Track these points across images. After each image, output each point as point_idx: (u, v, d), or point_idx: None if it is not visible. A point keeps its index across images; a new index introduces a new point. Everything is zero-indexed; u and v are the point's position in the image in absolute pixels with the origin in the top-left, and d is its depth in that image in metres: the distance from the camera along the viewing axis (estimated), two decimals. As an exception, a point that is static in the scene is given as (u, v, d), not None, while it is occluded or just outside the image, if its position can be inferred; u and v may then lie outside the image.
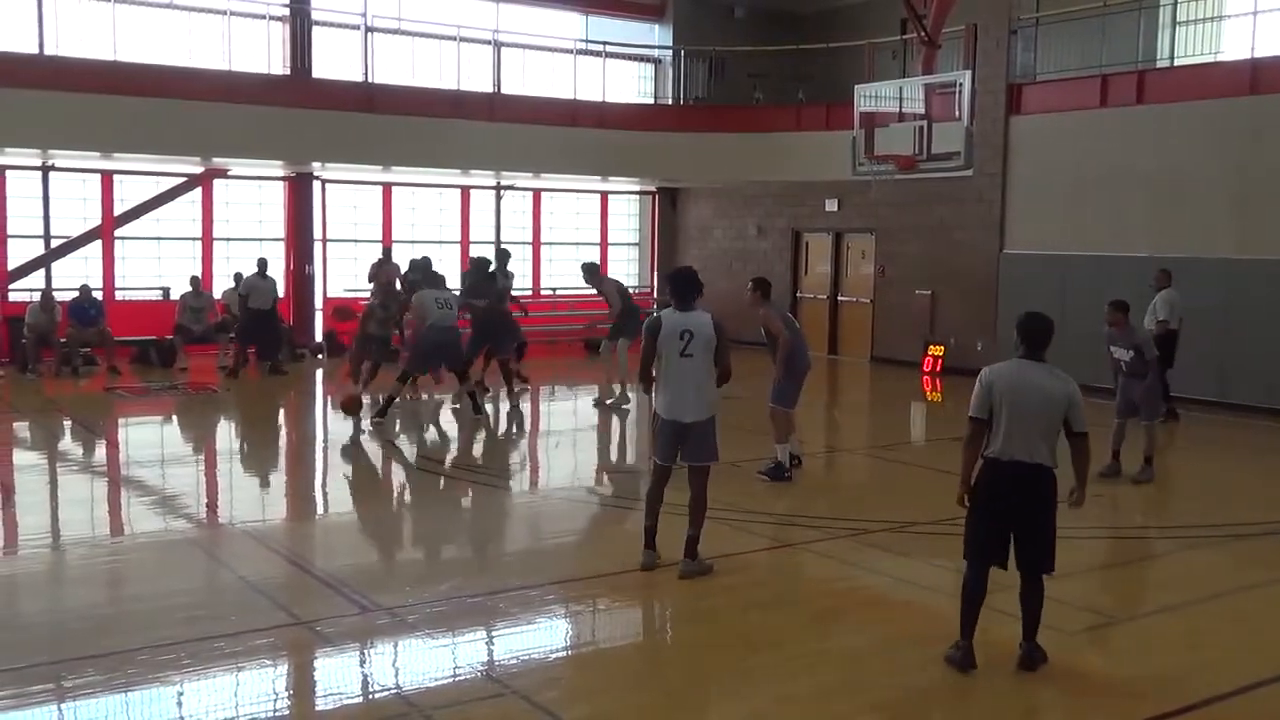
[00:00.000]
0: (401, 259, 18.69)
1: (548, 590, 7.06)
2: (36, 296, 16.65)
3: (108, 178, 18.16)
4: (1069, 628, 6.29)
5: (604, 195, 23.32)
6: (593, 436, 13.83)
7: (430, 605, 6.62)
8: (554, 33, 21.11)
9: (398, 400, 12.94)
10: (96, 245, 18.23)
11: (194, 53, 17.24)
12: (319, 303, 19.81)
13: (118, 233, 18.35)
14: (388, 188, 20.53)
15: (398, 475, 11.29)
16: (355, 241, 20.19)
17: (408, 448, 12.11)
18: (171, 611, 6.47)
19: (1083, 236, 16.25)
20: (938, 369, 18.14)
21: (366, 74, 18.27)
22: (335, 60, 18.52)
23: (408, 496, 10.34)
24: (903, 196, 18.53)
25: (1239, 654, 6.25)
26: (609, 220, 23.45)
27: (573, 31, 21.37)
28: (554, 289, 22.32)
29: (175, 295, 17.79)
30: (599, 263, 16.65)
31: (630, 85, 22.01)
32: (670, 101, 21.47)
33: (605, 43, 20.94)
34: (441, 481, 10.82)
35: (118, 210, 18.30)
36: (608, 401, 14.37)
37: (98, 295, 17.24)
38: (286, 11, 18.11)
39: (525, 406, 14.52)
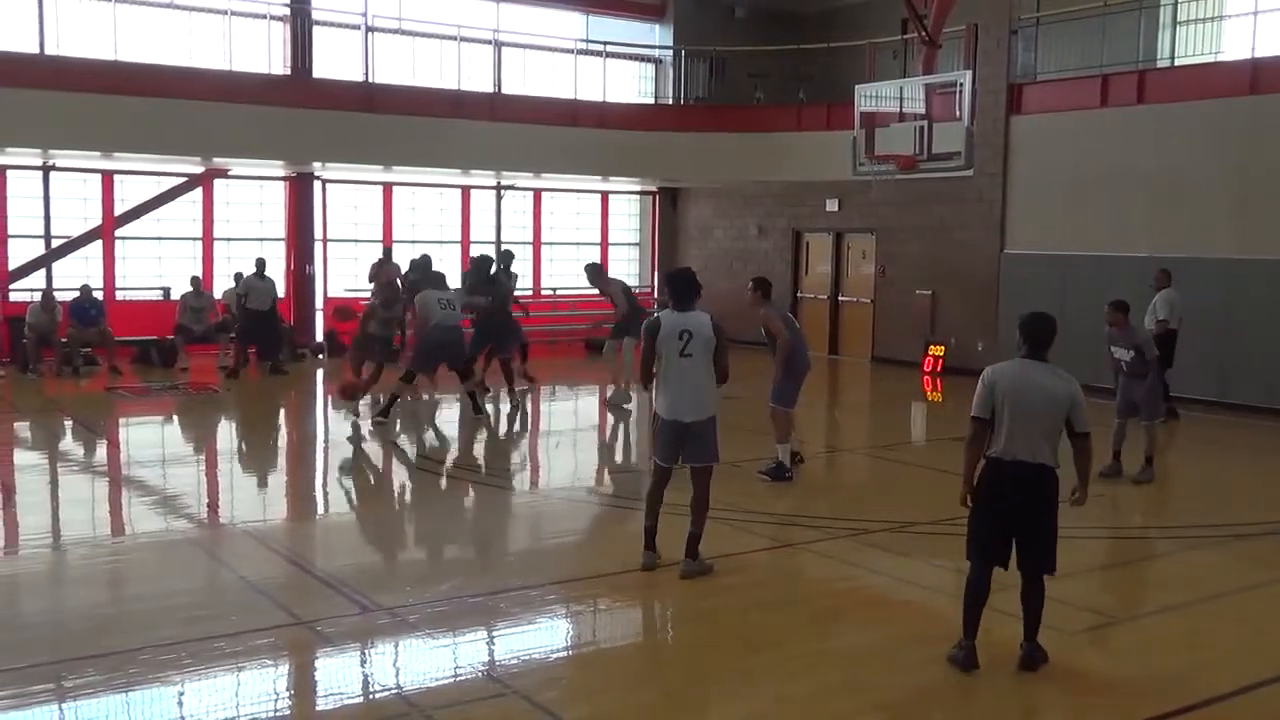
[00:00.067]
0: (402, 259, 18.72)
1: (548, 590, 7.06)
2: (37, 296, 16.66)
3: (108, 178, 18.17)
4: (1070, 628, 6.29)
5: (604, 195, 23.32)
6: (593, 436, 13.85)
7: (431, 605, 6.62)
8: (554, 32, 21.11)
9: (399, 400, 12.94)
10: (97, 245, 18.24)
11: (194, 53, 17.24)
12: (319, 303, 19.81)
13: (118, 233, 18.36)
14: (388, 188, 20.53)
15: (398, 475, 11.29)
16: (356, 241, 20.19)
17: (408, 447, 12.10)
18: (172, 611, 6.48)
19: (1083, 236, 16.25)
20: (938, 369, 18.14)
21: (367, 74, 18.27)
22: (336, 60, 18.52)
23: (408, 496, 10.34)
24: (903, 196, 18.53)
25: (1240, 654, 6.25)
26: (609, 220, 23.45)
27: (573, 31, 21.37)
28: (554, 289, 22.32)
29: (176, 295, 17.78)
30: (601, 264, 16.62)
31: (631, 85, 22.00)
32: (671, 101, 21.47)
33: (606, 43, 20.94)
34: (442, 481, 10.81)
35: (118, 210, 18.31)
36: (612, 399, 14.40)
37: (98, 295, 17.25)
38: (287, 11, 18.11)
39: (526, 406, 14.51)
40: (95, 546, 8.24)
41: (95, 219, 18.17)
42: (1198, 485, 11.02)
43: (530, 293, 21.02)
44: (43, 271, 17.72)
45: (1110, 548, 8.62)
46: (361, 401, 12.72)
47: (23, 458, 11.55)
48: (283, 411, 15.48)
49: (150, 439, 12.97)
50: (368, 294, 18.44)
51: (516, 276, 16.52)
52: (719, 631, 6.42)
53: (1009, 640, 5.79)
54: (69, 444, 12.23)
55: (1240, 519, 9.06)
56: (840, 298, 20.74)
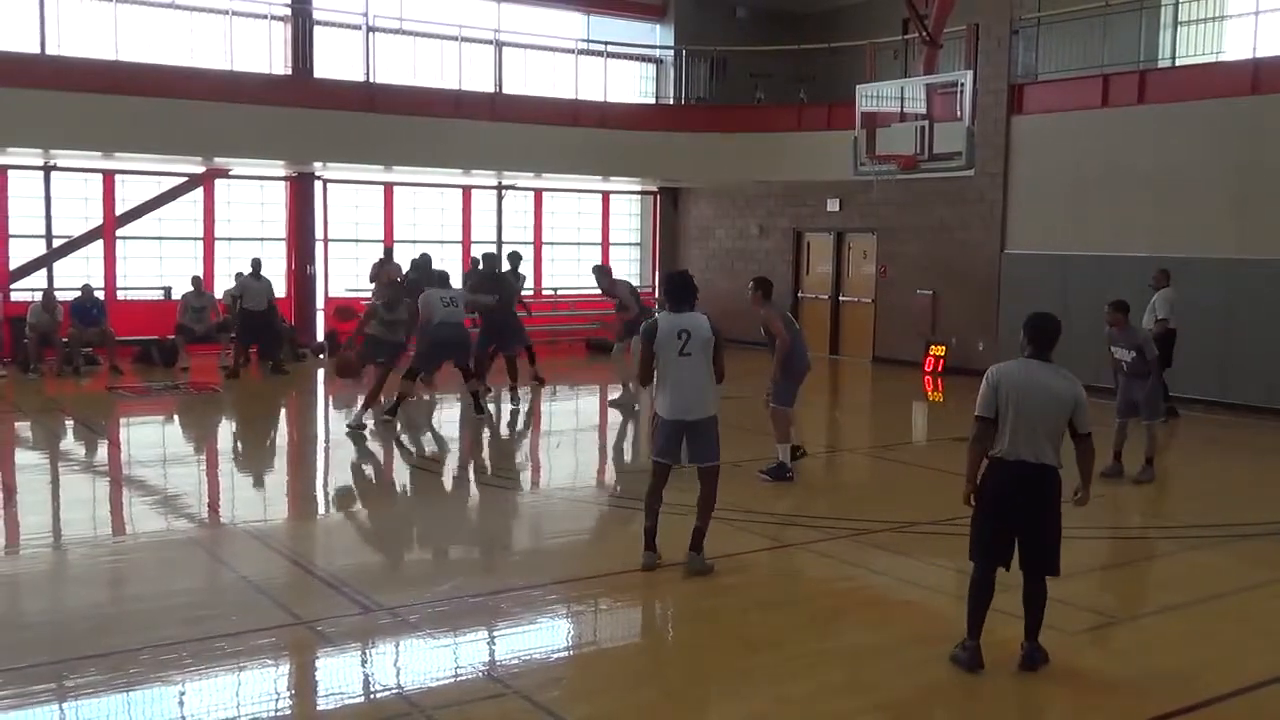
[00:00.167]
0: (403, 259, 18.71)
1: (549, 590, 7.06)
2: (38, 296, 16.68)
3: (109, 177, 18.17)
4: (1071, 628, 6.29)
5: (605, 195, 23.33)
6: (594, 436, 13.86)
7: (432, 605, 6.62)
8: (555, 32, 21.12)
9: (406, 399, 12.93)
10: (98, 245, 18.24)
11: (196, 52, 17.25)
12: (320, 303, 19.82)
13: (119, 232, 18.36)
14: (389, 187, 20.54)
15: (399, 475, 11.30)
16: (357, 241, 20.19)
17: (409, 447, 12.10)
18: (173, 611, 6.48)
19: (1084, 236, 16.25)
20: (939, 369, 18.14)
21: (368, 74, 18.26)
22: (337, 60, 18.52)
23: (409, 496, 10.33)
24: (904, 196, 18.53)
25: (1241, 654, 6.25)
26: (610, 220, 23.47)
27: (574, 31, 21.37)
28: (555, 289, 22.33)
29: (177, 295, 17.79)
30: (608, 265, 16.52)
31: (632, 85, 22.00)
32: (672, 101, 21.46)
33: (607, 43, 20.94)
34: (443, 481, 10.82)
35: (119, 210, 18.31)
36: (618, 398, 14.42)
37: (100, 295, 17.26)
38: (288, 11, 18.11)
39: (526, 406, 14.52)
40: (96, 546, 8.25)
41: (96, 219, 18.17)
42: (1198, 485, 11.01)
43: (531, 293, 21.02)
44: (44, 271, 17.73)
45: (1111, 548, 8.62)
46: (368, 413, 12.48)
47: (24, 457, 11.57)
48: (283, 411, 15.48)
49: (151, 439, 12.98)
50: (368, 294, 18.49)
51: (524, 278, 16.54)
52: (719, 631, 6.42)
53: (1010, 640, 5.79)
54: (70, 444, 12.23)
55: (1241, 519, 9.06)
56: (841, 298, 20.74)
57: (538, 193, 22.25)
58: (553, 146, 19.08)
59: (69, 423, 13.15)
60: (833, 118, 18.53)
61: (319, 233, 19.85)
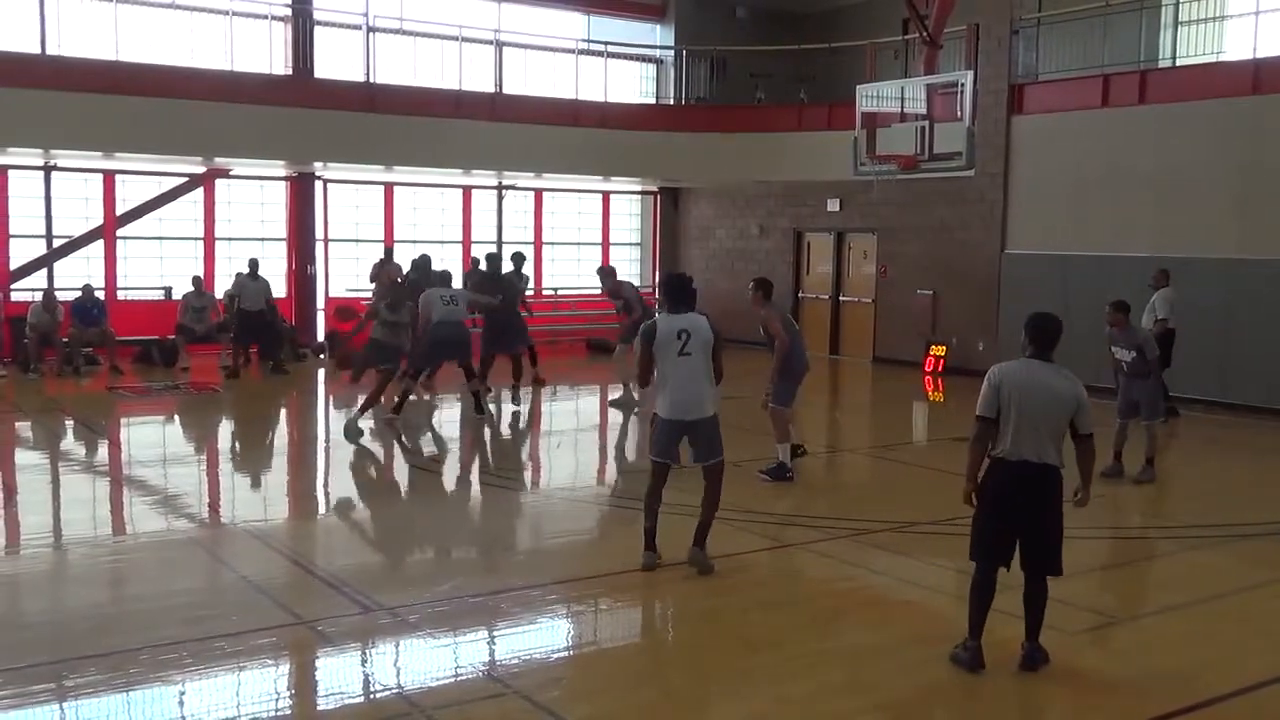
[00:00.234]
0: (403, 259, 18.70)
1: (549, 590, 7.06)
2: (39, 296, 16.68)
3: (110, 177, 18.17)
4: (1071, 628, 6.29)
5: (606, 195, 23.32)
6: (594, 436, 13.86)
7: (432, 605, 6.62)
8: (556, 33, 21.12)
9: (409, 397, 12.92)
10: (99, 245, 18.24)
11: (196, 52, 17.24)
12: (321, 303, 19.82)
13: (120, 232, 18.36)
14: (389, 187, 20.54)
15: (399, 475, 11.30)
16: (357, 241, 20.19)
17: (410, 447, 12.09)
18: (173, 611, 6.48)
19: (1084, 236, 16.25)
20: (939, 369, 18.14)
21: (368, 74, 18.26)
22: (337, 60, 18.52)
23: (409, 496, 10.33)
24: (904, 196, 18.53)
25: (1241, 654, 6.25)
26: (611, 220, 23.46)
27: (574, 31, 21.37)
28: (555, 289, 22.32)
29: (177, 295, 17.79)
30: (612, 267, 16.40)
31: (632, 85, 22.00)
32: (672, 101, 21.46)
33: (607, 43, 20.94)
34: (443, 481, 10.83)
35: (120, 210, 18.31)
36: (618, 398, 14.43)
37: (100, 295, 17.26)
38: (288, 11, 18.11)
39: (527, 406, 14.50)
40: (96, 546, 8.25)
41: (97, 219, 18.17)
42: (1198, 485, 11.01)
43: (531, 293, 21.02)
44: (44, 271, 17.72)
45: (1111, 548, 8.62)
46: (366, 415, 12.43)
47: (24, 457, 11.57)
48: (284, 411, 15.48)
49: (151, 439, 12.97)
50: (369, 294, 18.48)
51: (527, 278, 16.52)
52: (719, 631, 6.42)
53: (1011, 640, 5.78)
54: (70, 444, 12.23)
55: (1241, 519, 9.06)
56: (841, 298, 20.74)
57: (538, 193, 22.25)
58: (553, 146, 19.08)
59: (69, 423, 13.15)
60: (833, 118, 18.53)
61: (319, 233, 19.85)
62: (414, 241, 19.84)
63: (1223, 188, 14.80)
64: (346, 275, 19.93)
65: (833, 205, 20.42)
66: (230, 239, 19.04)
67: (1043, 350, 5.71)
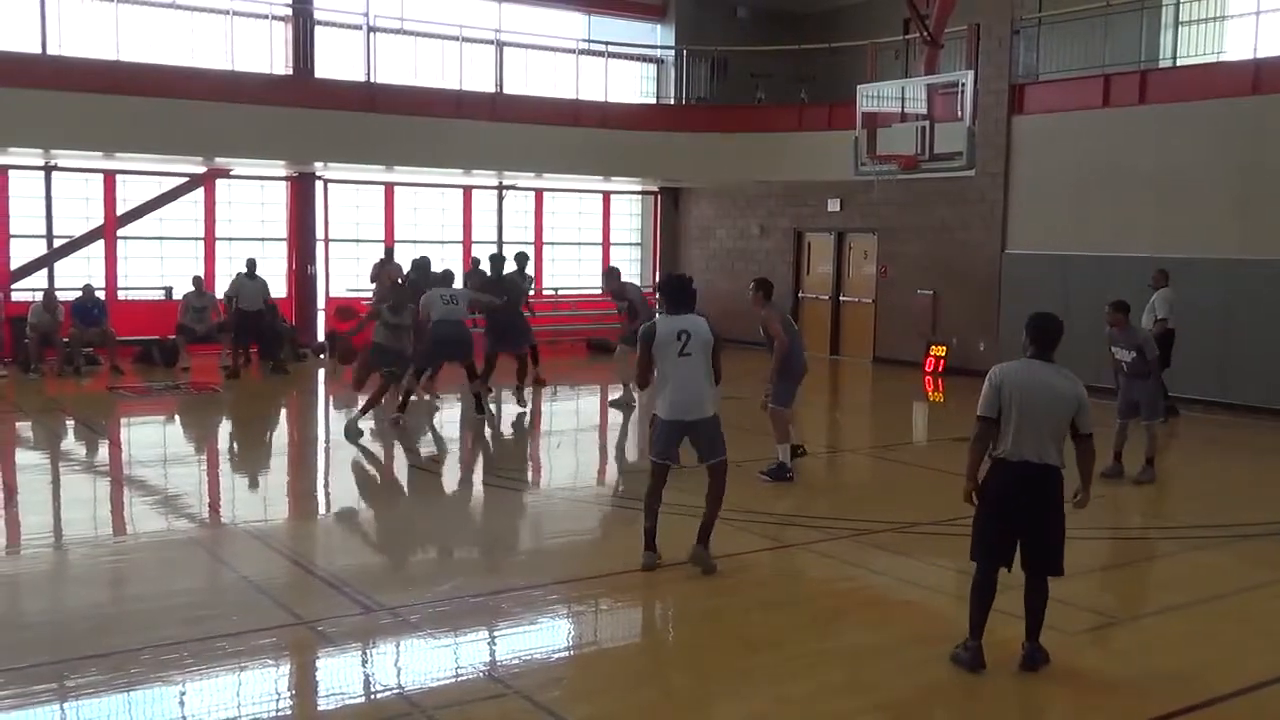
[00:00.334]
0: (404, 259, 18.70)
1: (550, 590, 7.06)
2: (39, 296, 16.67)
3: (110, 177, 18.17)
4: (1071, 628, 6.29)
5: (606, 195, 23.33)
6: (594, 436, 13.86)
7: (432, 605, 6.62)
8: (556, 33, 21.12)
9: (412, 396, 12.92)
10: (99, 245, 18.24)
11: (196, 52, 17.24)
12: (321, 303, 19.82)
13: (120, 232, 18.36)
14: (390, 187, 20.54)
15: (400, 475, 11.30)
16: (357, 241, 20.19)
17: (410, 447, 12.08)
18: (174, 611, 6.48)
19: (1085, 236, 16.24)
20: (939, 369, 18.14)
21: (369, 74, 18.26)
22: (338, 60, 18.51)
23: (410, 496, 10.34)
24: (905, 196, 18.53)
25: (1242, 654, 6.25)
26: (611, 220, 23.46)
27: (575, 31, 21.37)
28: (556, 289, 22.33)
29: (178, 295, 17.80)
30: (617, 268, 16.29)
31: (632, 85, 22.00)
32: (672, 101, 21.46)
33: (607, 43, 20.94)
34: (443, 481, 10.83)
35: (120, 210, 18.30)
36: (618, 398, 14.45)
37: (100, 295, 17.26)
38: (289, 11, 18.11)
39: (529, 407, 14.49)
40: (97, 546, 8.25)
41: (97, 219, 18.17)
42: (1198, 485, 11.01)
43: (532, 293, 21.03)
44: (45, 271, 17.73)
45: (1112, 548, 8.62)
46: (367, 416, 12.37)
47: (24, 457, 11.57)
48: (284, 411, 15.49)
49: (152, 439, 12.97)
50: (369, 294, 18.48)
51: (530, 278, 16.50)
52: (720, 631, 6.43)
53: (1011, 640, 5.78)
54: (70, 444, 12.24)
55: (1241, 519, 9.06)
56: (842, 298, 20.73)
57: (538, 193, 22.25)
58: (553, 146, 19.08)
59: (70, 423, 13.15)
60: (833, 118, 18.52)
61: (320, 233, 19.85)
62: (414, 242, 19.86)
63: (1223, 188, 14.80)
64: (347, 275, 19.93)
65: (833, 205, 20.42)
66: (231, 239, 19.03)
67: (1044, 350, 5.71)
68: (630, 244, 23.91)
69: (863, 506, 9.60)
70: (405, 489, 10.67)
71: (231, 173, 19.00)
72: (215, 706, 5.32)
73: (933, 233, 18.60)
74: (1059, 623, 5.98)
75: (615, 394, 14.73)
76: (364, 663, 5.89)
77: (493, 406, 13.95)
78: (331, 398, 16.03)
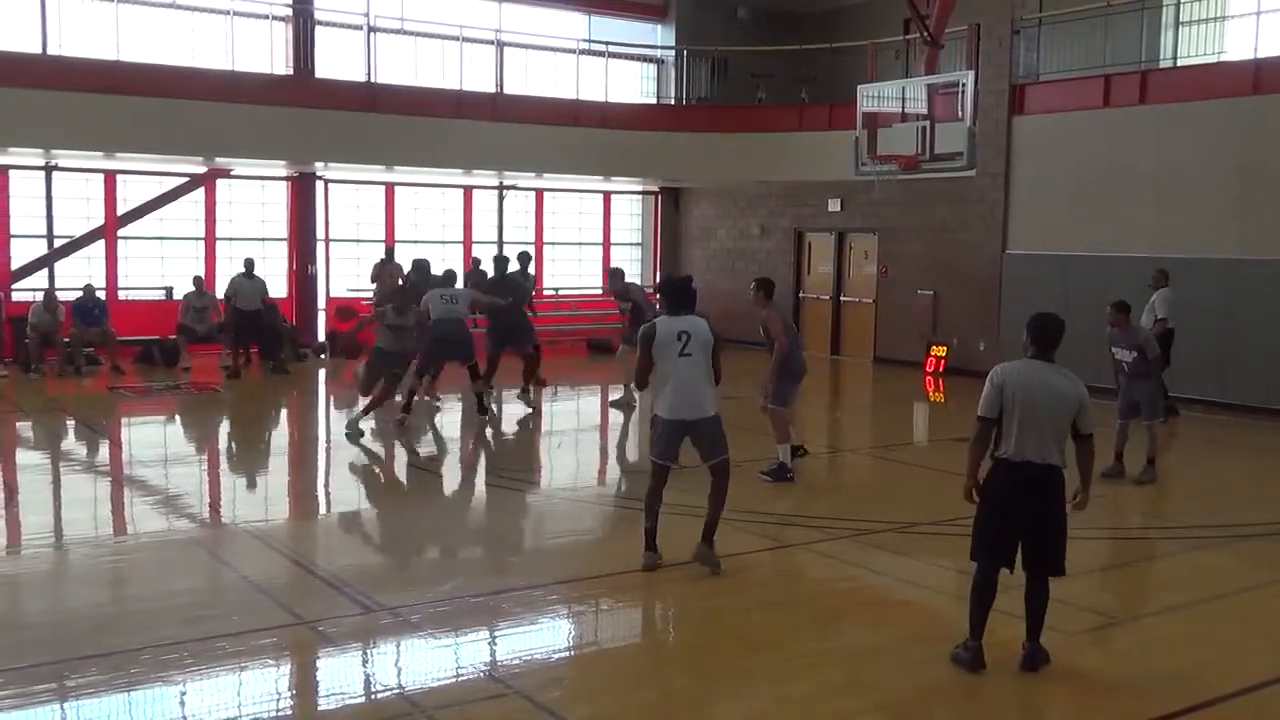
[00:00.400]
0: (404, 259, 18.69)
1: (550, 590, 7.06)
2: (40, 296, 16.68)
3: (111, 177, 18.18)
4: (1072, 628, 6.28)
5: (606, 195, 23.33)
6: (595, 436, 13.86)
7: (433, 605, 6.62)
8: (557, 33, 21.12)
9: (415, 396, 12.92)
10: (100, 245, 18.25)
11: (197, 52, 17.24)
12: (321, 303, 19.83)
13: (121, 232, 18.37)
14: (390, 187, 20.54)
15: (400, 475, 11.30)
16: (358, 241, 20.20)
17: (411, 447, 12.09)
18: (174, 611, 6.48)
19: (1085, 236, 16.24)
20: (940, 369, 18.13)
21: (369, 74, 18.26)
22: (338, 60, 18.51)
23: (411, 496, 10.34)
24: (905, 197, 18.53)
25: (1242, 654, 6.25)
26: (611, 220, 23.47)
27: (575, 31, 21.37)
28: (556, 289, 22.33)
29: (178, 295, 17.80)
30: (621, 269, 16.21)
31: (633, 85, 22.00)
32: (673, 101, 21.46)
33: (608, 43, 20.94)
34: (444, 481, 10.83)
35: (121, 210, 18.31)
36: (619, 398, 14.45)
37: (101, 295, 17.27)
38: (289, 11, 18.11)
39: (534, 408, 14.48)
40: (97, 546, 8.25)
41: (98, 219, 18.18)
42: (1198, 485, 11.01)
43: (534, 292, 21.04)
44: (45, 271, 17.73)
45: (1112, 548, 8.62)
46: (368, 417, 12.36)
47: (25, 457, 11.57)
48: (284, 411, 15.49)
49: (152, 438, 12.97)
50: (369, 294, 18.47)
51: (532, 278, 16.48)
52: (720, 632, 6.43)
53: (1011, 640, 5.78)
54: (71, 443, 12.24)
55: (1241, 519, 9.06)
56: (842, 298, 20.73)
57: (539, 193, 22.25)
58: (554, 147, 19.08)
59: (70, 422, 13.15)
60: (834, 118, 18.52)
61: (320, 233, 19.86)
62: (415, 242, 19.87)
63: (1223, 188, 14.80)
64: (347, 275, 19.94)
65: (834, 205, 20.42)
66: (231, 239, 19.03)
67: (1045, 350, 5.71)
68: (631, 244, 23.91)
69: (863, 506, 9.60)
70: (406, 489, 10.67)
71: (232, 173, 19.00)
72: (215, 706, 5.32)
73: (933, 233, 18.61)
74: (1059, 623, 5.98)
75: (615, 394, 14.73)
76: (364, 663, 5.89)
77: (494, 407, 13.94)
78: (332, 398, 16.03)
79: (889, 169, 15.19)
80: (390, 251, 19.05)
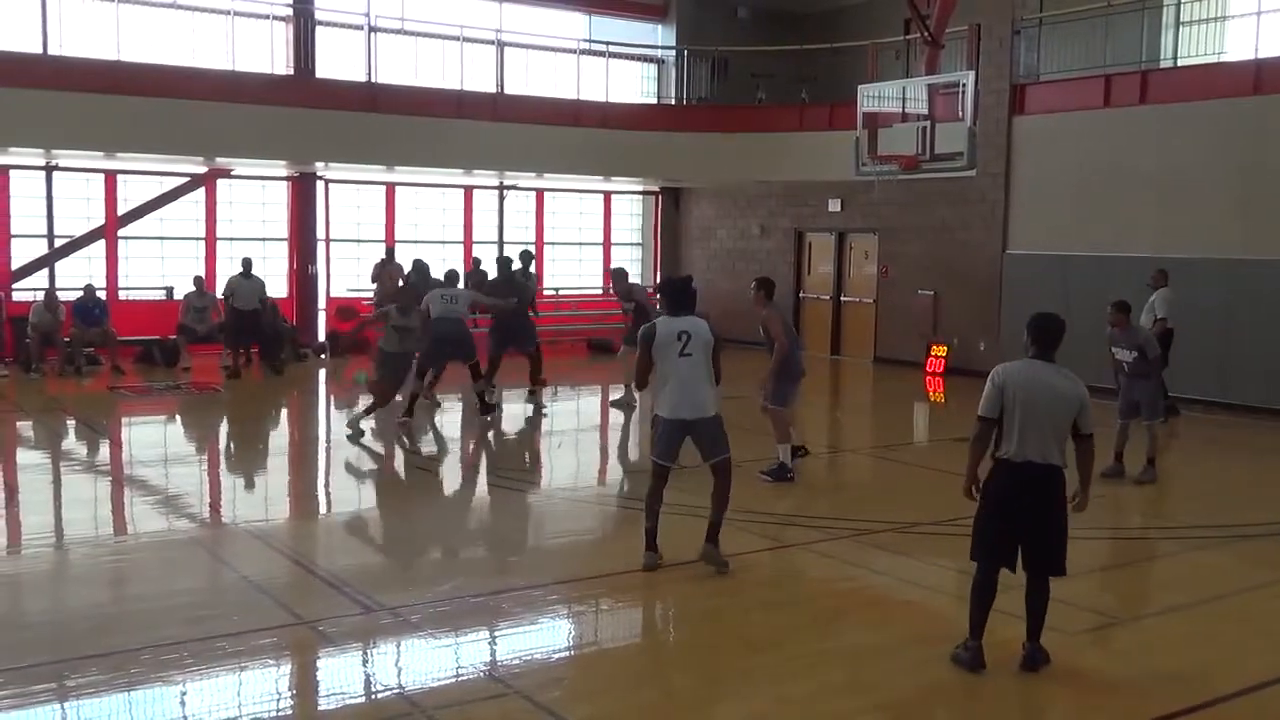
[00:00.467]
0: (405, 259, 18.69)
1: (550, 590, 7.06)
2: (40, 296, 16.68)
3: (111, 177, 18.18)
4: (1072, 628, 6.28)
5: (607, 195, 23.33)
6: (595, 436, 13.86)
7: (433, 605, 6.62)
8: (557, 33, 21.12)
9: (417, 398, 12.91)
10: (100, 245, 18.25)
11: (197, 52, 17.24)
12: (322, 303, 19.83)
13: (121, 232, 18.37)
14: (391, 187, 20.54)
15: (401, 475, 11.29)
16: (358, 241, 20.20)
17: (412, 447, 12.08)
18: (174, 611, 6.49)
19: (1086, 237, 16.24)
20: (940, 369, 18.13)
21: (370, 74, 18.26)
22: (339, 60, 18.52)
23: (410, 496, 10.33)
24: (906, 197, 18.52)
25: (1243, 654, 6.25)
26: (612, 220, 23.47)
27: (576, 31, 21.37)
28: (557, 289, 22.32)
29: (179, 295, 17.81)
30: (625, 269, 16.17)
31: (633, 85, 22.00)
32: (673, 101, 21.46)
33: (608, 43, 20.95)
34: (444, 481, 10.83)
35: (121, 210, 18.31)
36: (619, 398, 14.43)
37: (101, 295, 17.27)
38: (290, 11, 18.11)
39: (546, 409, 14.45)
40: (97, 546, 8.25)
41: (98, 219, 18.18)
42: (1198, 485, 11.01)
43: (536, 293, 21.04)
44: (46, 271, 17.73)
45: (1112, 548, 8.61)
46: (369, 418, 12.24)
47: (25, 457, 11.58)
48: (285, 411, 15.48)
49: (152, 438, 12.97)
50: (370, 294, 18.48)
51: (533, 276, 16.45)
52: (720, 632, 6.43)
53: (1012, 640, 5.78)
54: (71, 443, 12.24)
55: (1242, 519, 9.05)
56: (842, 298, 20.73)
57: (539, 193, 22.25)
58: (554, 147, 19.08)
59: (70, 422, 13.15)
60: (834, 118, 18.52)
61: (320, 233, 19.86)
62: (415, 242, 19.87)
63: (1224, 188, 14.80)
64: (348, 275, 19.94)
65: (834, 205, 20.42)
66: (231, 239, 19.03)
67: (1045, 350, 5.71)
68: (631, 244, 23.91)
69: (863, 506, 9.60)
70: (406, 489, 10.67)
71: (232, 173, 19.00)
72: (216, 706, 5.32)
73: (933, 233, 18.60)
74: (1060, 623, 5.98)
75: (616, 394, 14.72)
76: (364, 663, 5.89)
77: (500, 403, 13.92)
78: (332, 398, 16.03)
79: (889, 169, 15.18)
80: (390, 252, 19.06)
